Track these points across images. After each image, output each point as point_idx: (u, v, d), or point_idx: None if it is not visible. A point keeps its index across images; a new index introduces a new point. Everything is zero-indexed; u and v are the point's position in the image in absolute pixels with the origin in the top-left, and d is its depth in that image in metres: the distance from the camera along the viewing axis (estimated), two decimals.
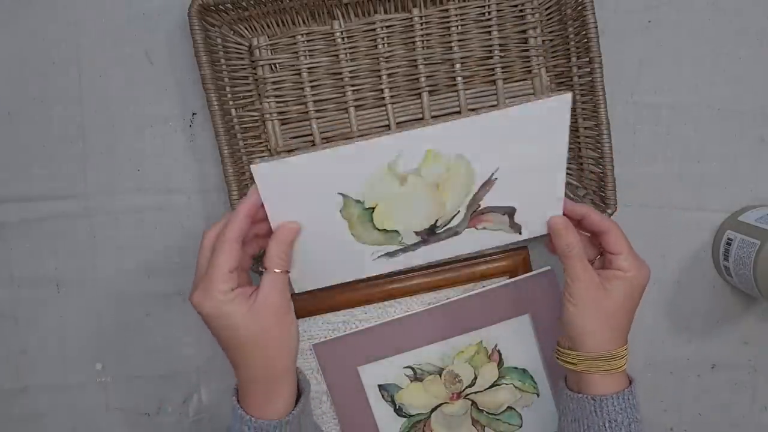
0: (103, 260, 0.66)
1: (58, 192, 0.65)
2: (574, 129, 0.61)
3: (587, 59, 0.59)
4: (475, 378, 0.66)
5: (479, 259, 0.64)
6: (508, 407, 0.66)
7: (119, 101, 0.64)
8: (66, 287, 0.66)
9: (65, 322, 0.67)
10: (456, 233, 0.54)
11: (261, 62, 0.62)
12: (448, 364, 0.65)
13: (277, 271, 0.48)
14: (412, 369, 0.65)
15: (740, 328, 0.68)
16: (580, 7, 0.58)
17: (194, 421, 0.68)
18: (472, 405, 0.66)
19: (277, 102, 0.63)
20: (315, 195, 0.49)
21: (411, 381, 0.65)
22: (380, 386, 0.65)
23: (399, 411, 0.66)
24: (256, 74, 0.63)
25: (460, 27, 0.61)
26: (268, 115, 0.63)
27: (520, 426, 0.67)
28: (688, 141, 0.65)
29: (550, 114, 0.48)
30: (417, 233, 0.53)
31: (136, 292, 0.66)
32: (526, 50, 0.62)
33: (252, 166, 0.46)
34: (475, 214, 0.53)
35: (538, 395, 0.66)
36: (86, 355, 0.67)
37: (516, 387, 0.66)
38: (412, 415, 0.66)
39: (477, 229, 0.54)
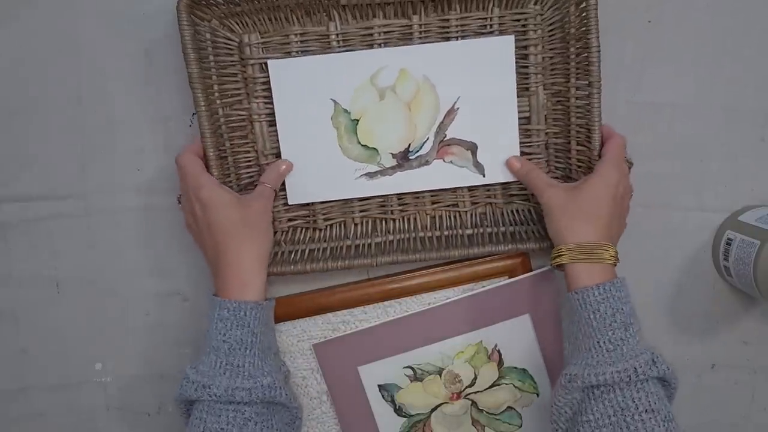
0: (103, 260, 0.66)
1: (58, 192, 0.65)
2: (566, 150, 0.63)
3: (587, 82, 0.58)
4: (475, 378, 0.66)
5: (479, 259, 0.64)
6: (508, 407, 0.66)
7: (119, 101, 0.64)
8: (66, 287, 0.66)
9: (65, 322, 0.67)
10: (426, 162, 0.63)
11: (251, 60, 0.61)
12: (448, 364, 0.65)
13: (267, 185, 0.60)
14: (412, 369, 0.65)
15: (740, 328, 0.68)
16: (584, 29, 0.58)
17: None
18: (472, 405, 0.66)
19: (266, 103, 0.62)
20: (313, 98, 0.61)
21: (411, 381, 0.65)
22: (380, 386, 0.65)
23: (399, 411, 0.66)
24: (245, 72, 0.61)
25: (459, 38, 0.61)
26: (256, 116, 0.62)
27: (520, 426, 0.67)
28: (688, 141, 0.65)
29: (497, 51, 0.60)
30: (393, 156, 0.63)
31: (136, 292, 0.66)
32: (525, 66, 0.62)
33: (268, 62, 0.60)
34: (442, 144, 0.63)
35: (538, 395, 0.66)
36: (86, 355, 0.67)
37: (516, 387, 0.66)
38: (412, 415, 0.66)
39: (444, 161, 0.63)
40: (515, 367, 0.66)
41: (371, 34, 0.61)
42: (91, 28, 0.63)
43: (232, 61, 0.61)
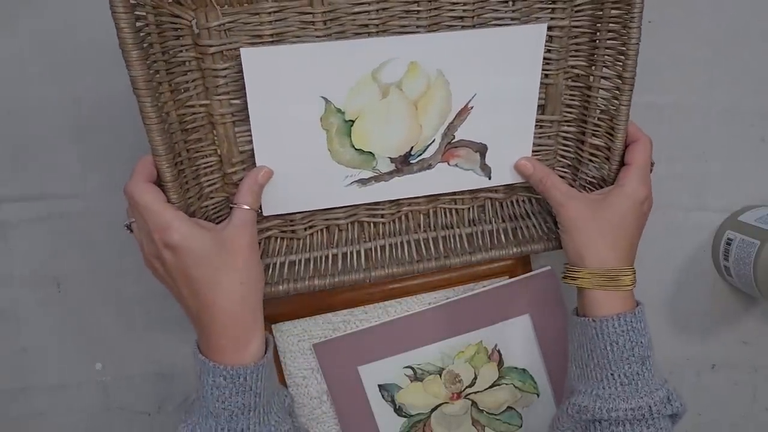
0: (103, 260, 0.66)
1: (58, 192, 0.65)
2: (578, 141, 0.56)
3: (617, 74, 0.51)
4: (475, 378, 0.66)
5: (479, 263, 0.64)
6: (508, 407, 0.66)
7: (119, 101, 0.64)
8: (66, 287, 0.66)
9: (65, 322, 0.67)
10: (429, 166, 0.55)
11: (211, 48, 0.47)
12: (448, 364, 0.65)
13: (246, 207, 0.48)
14: (412, 369, 0.65)
15: (740, 328, 0.68)
16: (624, 12, 0.49)
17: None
18: (472, 405, 0.66)
19: (231, 99, 0.50)
20: (298, 95, 0.49)
21: (411, 381, 0.65)
22: (380, 386, 0.65)
23: (399, 411, 0.66)
24: (203, 63, 0.48)
25: (476, 18, 0.51)
26: (218, 116, 0.50)
27: (520, 426, 0.67)
28: (689, 141, 0.65)
29: (525, 41, 0.51)
30: (392, 160, 0.54)
31: (136, 292, 0.66)
32: (548, 51, 0.53)
33: (241, 50, 0.45)
34: (449, 147, 0.54)
35: (538, 395, 0.66)
36: (86, 355, 0.67)
37: (516, 387, 0.66)
38: (412, 415, 0.66)
39: (449, 165, 0.55)
40: (515, 367, 0.66)
41: (367, 11, 0.49)
42: (91, 27, 0.63)
43: (184, 46, 0.47)
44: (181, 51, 0.48)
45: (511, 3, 0.51)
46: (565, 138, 0.57)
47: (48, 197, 0.65)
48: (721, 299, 0.67)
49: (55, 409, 0.68)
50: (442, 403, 0.66)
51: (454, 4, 0.50)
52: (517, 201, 0.61)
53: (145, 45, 0.44)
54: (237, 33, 0.47)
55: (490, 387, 0.66)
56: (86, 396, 0.68)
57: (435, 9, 0.50)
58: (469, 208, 0.60)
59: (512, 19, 0.51)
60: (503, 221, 0.60)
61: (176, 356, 0.67)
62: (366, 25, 0.49)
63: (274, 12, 0.47)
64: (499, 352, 0.65)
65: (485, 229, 0.60)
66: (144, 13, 0.44)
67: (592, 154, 0.56)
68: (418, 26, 0.50)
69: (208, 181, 0.53)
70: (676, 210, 0.66)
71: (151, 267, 0.49)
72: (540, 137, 0.57)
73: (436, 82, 0.51)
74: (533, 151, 0.57)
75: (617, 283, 0.51)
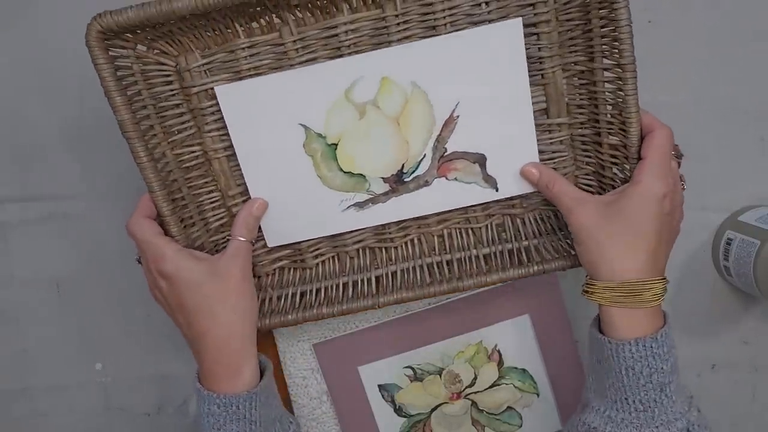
0: (103, 260, 0.66)
1: (58, 192, 0.65)
2: (596, 143, 0.52)
3: (616, 63, 0.47)
4: (475, 378, 0.66)
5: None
6: (508, 407, 0.66)
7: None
8: (66, 287, 0.66)
9: (65, 322, 0.67)
10: (426, 183, 0.53)
11: (194, 88, 0.50)
12: (448, 364, 0.65)
13: (241, 239, 0.50)
14: (412, 369, 0.65)
15: (740, 328, 0.68)
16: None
17: (194, 421, 0.68)
18: (472, 405, 0.66)
19: (221, 136, 0.52)
20: (278, 124, 0.50)
21: (411, 381, 0.65)
22: (380, 386, 0.65)
23: (399, 411, 0.66)
24: (190, 103, 0.51)
25: (449, 26, 0.49)
26: (212, 152, 0.52)
27: (520, 426, 0.67)
28: (688, 141, 0.65)
29: (501, 40, 0.48)
30: (384, 180, 0.53)
31: (136, 292, 0.66)
32: (538, 48, 0.50)
33: (215, 88, 0.48)
34: (443, 160, 0.52)
35: (538, 395, 0.66)
36: (86, 355, 0.68)
37: (516, 387, 0.66)
38: (412, 415, 0.66)
39: (448, 179, 0.53)
40: (515, 367, 0.65)
41: (336, 35, 0.48)
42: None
43: (171, 90, 0.50)
44: (173, 94, 0.50)
45: (485, 5, 0.48)
46: (582, 143, 0.53)
47: (48, 198, 0.65)
48: (721, 299, 0.67)
49: (55, 409, 0.68)
50: (442, 403, 0.66)
51: (424, 15, 0.48)
52: (541, 217, 0.56)
53: (130, 92, 0.47)
54: (217, 72, 0.50)
55: (490, 387, 0.66)
56: (86, 396, 0.68)
57: (404, 23, 0.48)
58: (486, 227, 0.57)
59: (489, 21, 0.49)
60: (525, 239, 0.56)
61: (176, 357, 0.67)
62: (338, 48, 0.49)
63: (248, 47, 0.49)
64: (499, 352, 0.65)
65: (504, 249, 0.56)
66: (129, 64, 0.47)
67: (612, 156, 0.51)
68: (390, 42, 0.49)
69: (214, 215, 0.55)
70: None
71: (153, 295, 0.51)
72: (551, 143, 0.53)
73: (413, 95, 0.50)
74: (547, 160, 0.53)
75: (637, 299, 0.45)
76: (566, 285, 0.63)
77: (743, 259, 0.61)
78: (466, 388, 0.66)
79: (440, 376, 0.65)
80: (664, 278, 0.47)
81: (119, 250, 0.66)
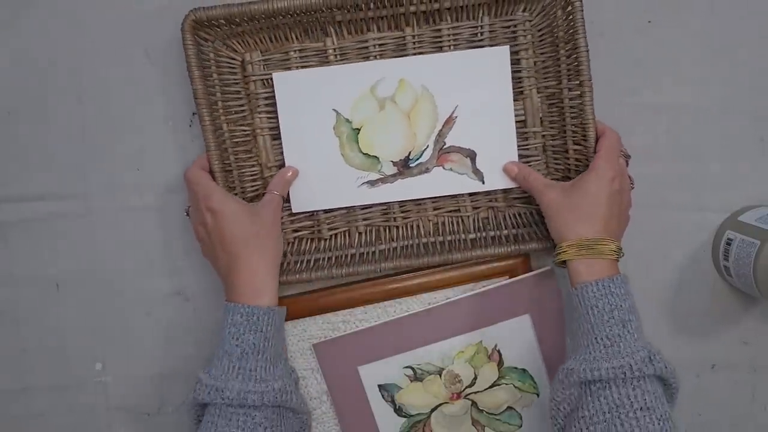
0: (103, 260, 0.66)
1: (58, 192, 0.65)
2: (563, 150, 0.63)
3: (578, 82, 0.59)
4: (475, 378, 0.66)
5: (479, 260, 0.64)
6: (508, 407, 0.66)
7: (119, 101, 0.64)
8: (66, 287, 0.66)
9: (65, 322, 0.67)
10: (427, 170, 0.64)
11: (254, 77, 0.63)
12: (448, 364, 0.65)
13: (275, 193, 0.61)
14: (412, 369, 0.65)
15: (740, 328, 0.68)
16: (571, 31, 0.59)
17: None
18: (472, 405, 0.66)
19: (269, 117, 0.64)
20: (315, 108, 0.63)
21: (411, 381, 0.65)
22: (380, 386, 0.65)
23: (399, 411, 0.66)
24: (248, 89, 0.63)
25: (452, 47, 0.62)
26: (259, 130, 0.64)
27: (520, 426, 0.67)
28: (688, 141, 0.65)
29: (493, 61, 0.62)
30: (394, 164, 0.64)
31: (136, 291, 0.66)
32: (518, 71, 0.63)
33: (273, 73, 0.62)
34: (441, 152, 0.64)
35: (538, 395, 0.66)
36: (86, 355, 0.67)
37: (516, 387, 0.66)
38: (412, 415, 0.66)
39: (444, 168, 0.64)
40: (515, 367, 0.66)
41: (366, 47, 0.62)
42: (92, 28, 0.63)
43: (235, 79, 0.63)
44: (236, 82, 0.63)
45: (480, 34, 0.63)
46: (553, 151, 0.64)
47: (48, 197, 0.65)
48: (721, 299, 0.67)
49: (55, 409, 0.68)
50: (442, 403, 0.66)
51: (434, 37, 0.62)
52: (519, 214, 0.66)
53: (205, 73, 0.60)
54: (272, 67, 0.63)
55: (490, 387, 0.66)
56: (86, 396, 0.68)
57: (419, 42, 0.63)
58: (473, 217, 0.67)
59: (484, 46, 0.62)
60: (505, 228, 0.65)
61: (177, 357, 0.67)
62: (367, 55, 0.63)
63: (298, 50, 0.63)
64: (499, 352, 0.65)
65: (488, 235, 0.65)
66: (207, 53, 0.61)
67: (576, 161, 0.62)
68: (407, 53, 0.63)
69: (252, 186, 0.65)
70: (676, 210, 0.66)
71: (196, 232, 0.60)
72: (528, 149, 0.65)
73: (422, 95, 0.63)
74: (526, 162, 0.64)
75: (596, 251, 0.55)
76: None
77: (743, 260, 0.61)
78: (466, 388, 0.66)
79: (440, 376, 0.65)
80: (617, 241, 0.57)
81: (119, 249, 0.66)
